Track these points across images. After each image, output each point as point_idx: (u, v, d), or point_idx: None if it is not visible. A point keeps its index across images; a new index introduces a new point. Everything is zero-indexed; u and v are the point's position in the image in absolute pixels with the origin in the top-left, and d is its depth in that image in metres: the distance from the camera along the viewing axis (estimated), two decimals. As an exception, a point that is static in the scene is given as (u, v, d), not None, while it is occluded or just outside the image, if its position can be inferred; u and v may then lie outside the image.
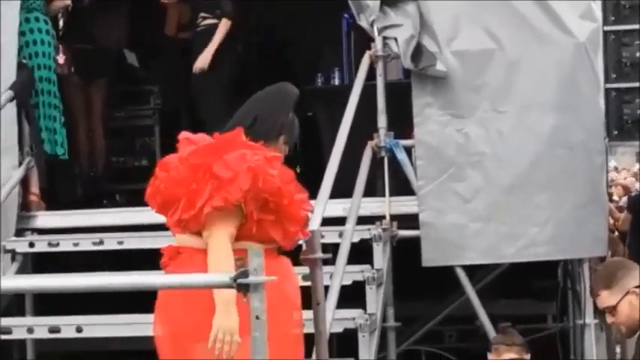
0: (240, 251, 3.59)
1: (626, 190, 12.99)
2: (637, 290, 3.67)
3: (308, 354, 4.50)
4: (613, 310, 3.69)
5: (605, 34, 7.62)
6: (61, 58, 6.41)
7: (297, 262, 4.44)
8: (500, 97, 5.86)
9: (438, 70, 5.85)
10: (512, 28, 5.85)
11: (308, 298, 4.29)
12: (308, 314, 4.44)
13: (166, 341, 3.75)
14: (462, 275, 5.90)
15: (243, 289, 3.11)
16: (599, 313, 3.89)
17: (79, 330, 5.30)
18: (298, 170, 8.47)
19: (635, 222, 9.72)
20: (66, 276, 3.20)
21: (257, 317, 3.10)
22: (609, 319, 3.73)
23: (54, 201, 6.58)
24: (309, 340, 4.35)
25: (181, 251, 3.78)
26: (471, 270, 6.14)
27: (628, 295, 3.67)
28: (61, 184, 7.07)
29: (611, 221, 9.80)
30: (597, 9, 5.90)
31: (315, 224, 4.39)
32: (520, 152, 5.84)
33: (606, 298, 3.71)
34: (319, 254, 4.21)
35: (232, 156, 3.68)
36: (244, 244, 3.66)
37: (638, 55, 7.65)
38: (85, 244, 5.79)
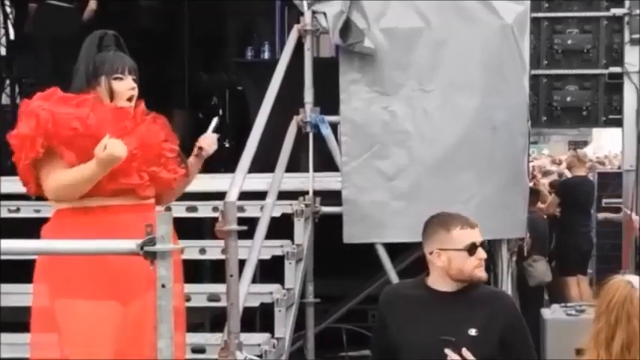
0: (92, 210, 3.72)
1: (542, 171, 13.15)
2: None
3: (222, 328, 4.49)
4: None
5: (539, 20, 7.69)
6: None
7: (214, 235, 4.42)
8: (426, 76, 5.86)
9: (366, 47, 5.83)
10: (440, 7, 5.84)
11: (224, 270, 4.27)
12: (222, 287, 4.42)
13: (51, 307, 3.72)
14: (382, 253, 5.90)
15: (150, 256, 3.06)
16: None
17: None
18: (227, 145, 8.50)
19: (562, 204, 9.85)
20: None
21: (163, 285, 3.05)
22: None
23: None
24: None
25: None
26: (397, 249, 6.16)
27: None
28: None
29: (541, 205, 9.93)
30: (526, -10, 5.92)
31: (231, 196, 4.35)
32: (445, 132, 5.85)
33: None
34: (234, 226, 4.16)
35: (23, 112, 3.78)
36: (88, 201, 3.73)
37: (569, 42, 7.74)
38: (1, 211, 5.68)
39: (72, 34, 6.39)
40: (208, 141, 4.08)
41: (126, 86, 3.88)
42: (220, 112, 8.98)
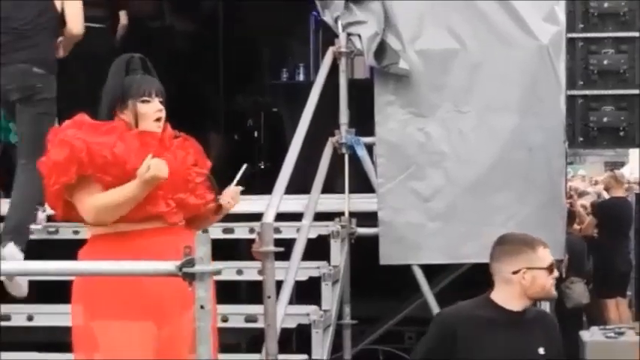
0: (125, 234, 3.74)
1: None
2: None
3: (259, 349, 4.50)
4: None
5: (574, 40, 7.67)
6: None
7: (250, 256, 4.44)
8: (462, 98, 5.86)
9: (401, 69, 5.84)
10: (476, 28, 5.85)
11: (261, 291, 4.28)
12: (260, 308, 4.44)
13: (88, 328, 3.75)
14: (419, 275, 5.89)
15: (189, 277, 3.08)
16: None
17: (29, 318, 5.26)
18: (262, 166, 8.53)
19: (600, 226, 9.79)
20: (6, 262, 3.18)
21: (202, 307, 3.07)
22: None
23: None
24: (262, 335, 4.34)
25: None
26: (433, 271, 6.14)
27: None
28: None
29: (577, 226, 9.87)
30: (561, 12, 5.90)
31: (268, 217, 4.36)
32: (480, 153, 5.84)
33: None
34: (270, 247, 4.18)
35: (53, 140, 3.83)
36: (123, 226, 3.77)
37: (605, 62, 7.70)
38: (41, 232, 5.72)
39: (106, 54, 6.45)
40: (227, 198, 4.00)
41: (153, 108, 3.90)
42: (256, 134, 9.02)
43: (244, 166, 4.14)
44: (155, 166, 3.71)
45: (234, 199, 4.03)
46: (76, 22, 5.66)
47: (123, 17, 7.09)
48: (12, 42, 5.53)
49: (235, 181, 4.07)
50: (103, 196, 3.77)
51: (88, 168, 3.77)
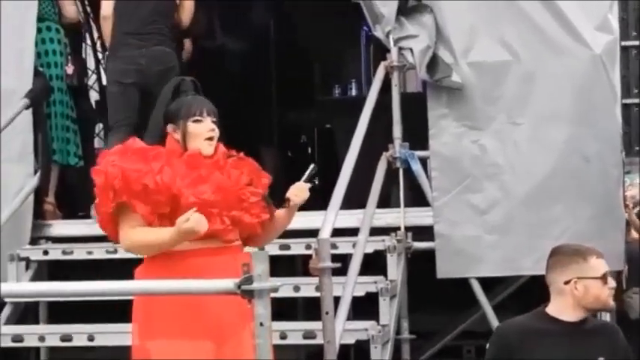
0: (181, 253, 3.77)
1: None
2: None
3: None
4: None
5: (627, 49, 7.61)
6: (69, 69, 6.39)
7: (306, 272, 4.45)
8: (516, 109, 5.83)
9: (454, 82, 5.83)
10: (528, 39, 5.82)
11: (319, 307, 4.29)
12: (318, 325, 4.44)
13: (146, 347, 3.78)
14: (477, 288, 5.86)
15: (248, 295, 3.10)
16: None
17: (90, 339, 5.31)
18: (316, 182, 8.52)
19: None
20: (66, 282, 3.24)
21: (261, 324, 3.08)
22: None
23: (70, 209, 6.60)
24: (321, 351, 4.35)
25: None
26: (491, 284, 6.11)
27: None
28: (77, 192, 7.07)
29: (636, 235, 9.71)
30: (614, 21, 5.86)
31: (324, 233, 4.37)
32: (536, 164, 5.80)
33: None
34: (328, 263, 4.18)
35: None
36: (185, 244, 3.77)
37: (660, 70, 7.63)
38: (99, 252, 5.80)
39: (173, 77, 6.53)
40: (294, 190, 4.00)
41: (205, 127, 3.92)
42: (309, 150, 9.04)
43: (312, 166, 4.14)
44: (195, 220, 3.71)
45: (301, 193, 4.00)
46: None
47: (188, 44, 7.20)
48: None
49: (303, 179, 4.06)
50: (139, 233, 3.80)
51: (122, 194, 3.78)
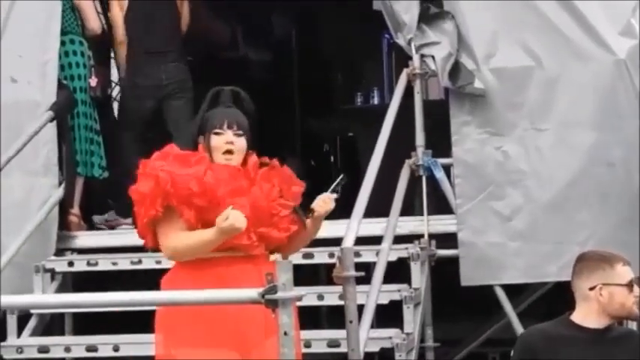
0: (207, 261, 3.78)
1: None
2: None
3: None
4: None
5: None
6: (93, 81, 6.44)
7: (330, 280, 4.45)
8: (539, 115, 5.81)
9: (476, 88, 5.82)
10: (550, 45, 5.80)
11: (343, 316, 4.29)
12: (342, 333, 4.44)
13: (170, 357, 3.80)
14: (501, 295, 5.83)
15: (272, 304, 3.10)
16: None
17: (115, 349, 5.34)
18: (339, 192, 8.51)
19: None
20: (91, 294, 3.28)
21: (285, 333, 3.08)
22: None
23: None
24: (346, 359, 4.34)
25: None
26: (515, 291, 6.08)
27: None
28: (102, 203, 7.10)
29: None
30: (637, 25, 5.83)
31: (348, 242, 4.37)
32: (560, 170, 5.78)
33: None
34: (351, 272, 4.18)
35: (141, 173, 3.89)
36: (210, 253, 3.79)
37: (685, 74, 7.57)
38: (124, 263, 5.82)
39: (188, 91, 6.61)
40: (319, 202, 3.98)
41: (222, 140, 3.92)
42: (332, 158, 9.04)
43: (341, 176, 4.14)
44: (234, 217, 3.73)
45: (325, 204, 3.97)
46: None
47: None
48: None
49: (331, 189, 4.04)
50: (183, 237, 3.81)
51: (172, 199, 3.81)
